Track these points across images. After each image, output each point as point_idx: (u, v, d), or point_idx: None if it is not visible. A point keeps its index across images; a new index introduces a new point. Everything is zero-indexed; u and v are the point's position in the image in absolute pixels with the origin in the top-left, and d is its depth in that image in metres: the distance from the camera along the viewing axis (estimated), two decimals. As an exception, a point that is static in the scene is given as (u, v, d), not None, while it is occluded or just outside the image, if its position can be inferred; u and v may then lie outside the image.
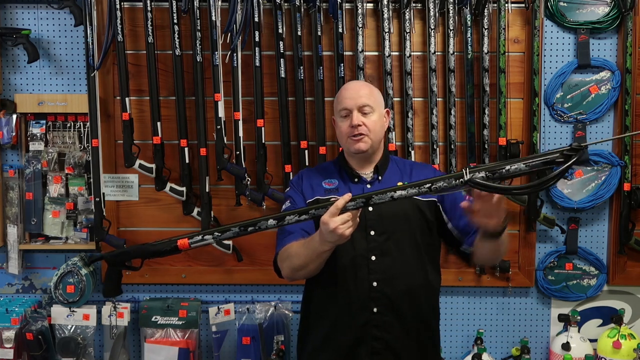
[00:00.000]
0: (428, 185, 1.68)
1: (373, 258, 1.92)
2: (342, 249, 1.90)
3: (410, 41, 2.64)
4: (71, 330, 2.74)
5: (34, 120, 2.76)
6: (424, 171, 2.07)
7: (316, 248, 1.77)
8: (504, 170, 1.63)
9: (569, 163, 1.58)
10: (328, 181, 2.02)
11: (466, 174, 1.64)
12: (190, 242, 1.81)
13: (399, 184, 1.97)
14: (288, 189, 2.10)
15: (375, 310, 1.92)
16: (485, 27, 2.63)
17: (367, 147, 1.96)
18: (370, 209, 1.93)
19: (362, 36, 2.63)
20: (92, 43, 2.62)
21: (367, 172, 2.02)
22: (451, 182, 1.67)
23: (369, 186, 1.99)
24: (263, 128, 2.65)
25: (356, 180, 2.01)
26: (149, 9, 2.60)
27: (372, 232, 1.93)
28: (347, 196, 1.69)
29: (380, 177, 2.01)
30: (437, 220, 2.02)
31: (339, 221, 1.67)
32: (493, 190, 1.64)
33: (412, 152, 2.66)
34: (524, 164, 1.62)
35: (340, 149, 2.57)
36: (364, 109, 1.96)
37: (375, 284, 1.91)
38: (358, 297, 1.91)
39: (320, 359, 1.98)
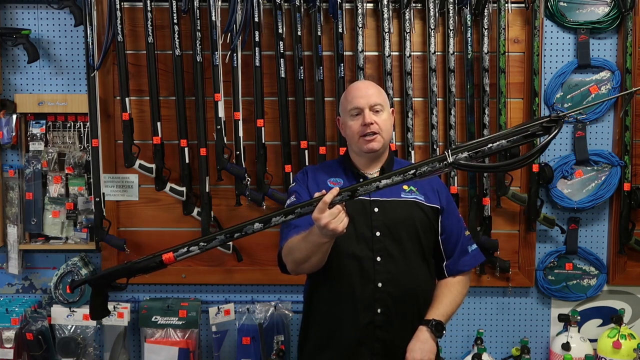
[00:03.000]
0: (412, 171, 1.68)
1: (378, 259, 1.92)
2: (348, 249, 1.91)
3: (410, 41, 2.64)
4: (71, 330, 2.74)
5: (34, 120, 2.76)
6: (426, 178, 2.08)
7: (315, 241, 1.76)
8: (486, 148, 1.62)
9: (552, 135, 1.56)
10: (333, 179, 2.02)
11: (449, 157, 1.64)
12: (176, 256, 1.77)
13: (405, 187, 1.98)
14: (293, 184, 2.09)
15: (379, 311, 1.92)
16: (485, 27, 2.63)
17: (379, 146, 1.96)
18: (376, 209, 1.94)
19: (362, 36, 2.63)
20: (92, 43, 2.62)
21: (373, 173, 2.02)
22: (435, 165, 1.66)
23: None
24: (263, 128, 2.65)
25: (361, 180, 2.00)
26: (149, 9, 2.60)
27: (378, 233, 1.93)
28: (335, 190, 1.68)
29: None
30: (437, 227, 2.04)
31: (328, 216, 1.66)
32: (478, 169, 1.62)
33: (412, 152, 2.66)
34: (505, 140, 1.61)
35: (342, 149, 2.59)
36: (375, 108, 1.96)
37: (380, 284, 1.91)
38: (363, 297, 1.91)
39: (322, 358, 1.98)
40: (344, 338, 1.94)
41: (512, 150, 2.41)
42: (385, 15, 2.62)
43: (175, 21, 2.60)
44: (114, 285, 1.86)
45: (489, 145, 1.61)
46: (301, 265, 1.88)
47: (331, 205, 1.68)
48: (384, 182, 1.69)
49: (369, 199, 1.94)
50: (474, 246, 2.09)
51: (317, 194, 1.72)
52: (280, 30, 2.62)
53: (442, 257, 2.04)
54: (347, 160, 2.06)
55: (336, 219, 1.67)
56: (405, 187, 2.00)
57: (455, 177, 2.67)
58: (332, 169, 2.08)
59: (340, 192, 1.69)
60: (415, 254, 1.96)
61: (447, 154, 1.64)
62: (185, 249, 1.77)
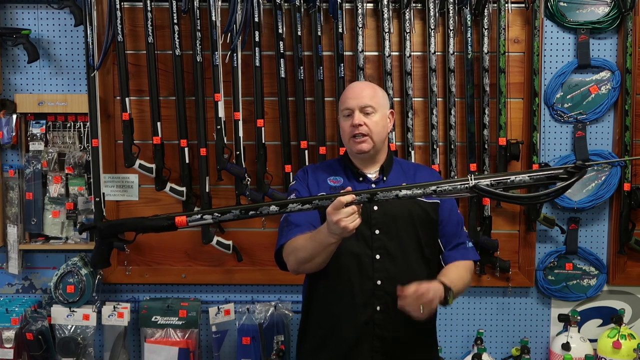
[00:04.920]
0: (433, 188, 1.71)
1: (377, 257, 1.93)
2: (347, 247, 1.91)
3: (410, 41, 2.64)
4: (71, 330, 2.74)
5: (34, 120, 2.76)
6: (427, 173, 2.11)
7: (322, 240, 1.78)
8: (508, 180, 1.68)
9: (572, 180, 1.63)
10: (333, 178, 2.04)
11: (471, 180, 1.68)
12: (189, 220, 1.76)
13: (404, 184, 1.99)
14: (293, 182, 2.10)
15: (378, 308, 1.93)
16: (485, 27, 2.63)
17: (369, 147, 1.98)
18: (376, 207, 1.95)
19: (362, 36, 2.63)
20: (92, 43, 2.62)
21: (372, 172, 2.04)
22: (456, 186, 1.70)
23: (373, 186, 2.01)
24: (263, 128, 2.65)
25: (361, 179, 2.03)
26: (149, 9, 2.60)
27: (377, 231, 1.94)
28: (351, 196, 1.69)
29: (385, 178, 2.03)
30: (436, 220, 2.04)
31: (343, 214, 1.68)
32: (496, 197, 1.69)
33: (412, 152, 2.66)
34: (528, 176, 1.67)
35: (342, 149, 2.59)
36: (366, 110, 1.97)
37: (379, 282, 1.92)
38: (362, 295, 1.92)
39: (321, 356, 1.99)
40: (343, 336, 1.95)
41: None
42: (385, 15, 2.62)
43: (175, 21, 2.60)
44: (121, 238, 1.84)
45: (511, 179, 1.67)
46: (304, 265, 1.89)
47: (348, 205, 1.69)
48: (404, 192, 1.72)
49: None
50: (470, 244, 2.09)
51: (342, 192, 1.73)
52: (280, 30, 2.62)
53: (440, 250, 2.05)
54: (346, 160, 2.07)
55: (349, 217, 1.68)
56: (404, 184, 2.00)
57: (455, 177, 2.67)
58: (332, 167, 2.09)
59: (358, 193, 1.71)
60: (415, 252, 1.97)
61: (469, 178, 1.68)
62: (199, 216, 1.76)
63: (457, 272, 1.98)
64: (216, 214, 1.76)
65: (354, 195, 1.69)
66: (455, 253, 2.04)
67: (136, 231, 1.81)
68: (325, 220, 1.74)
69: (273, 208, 1.74)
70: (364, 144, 1.97)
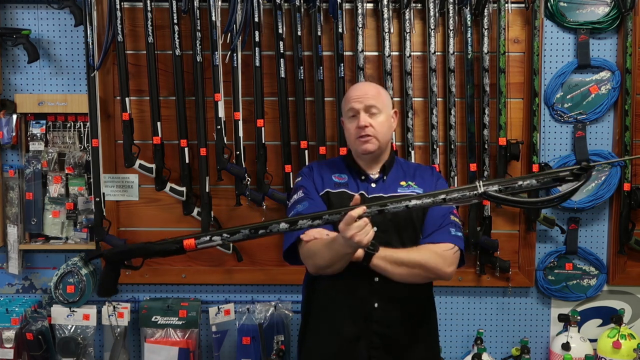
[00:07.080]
0: (443, 196, 1.71)
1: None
2: None
3: (410, 41, 2.64)
4: (71, 330, 2.74)
5: (34, 120, 2.76)
6: (427, 172, 2.11)
7: (339, 250, 1.79)
8: (516, 185, 1.69)
9: (579, 184, 1.65)
10: (338, 175, 2.05)
11: (480, 187, 1.69)
12: (197, 243, 1.74)
13: (402, 183, 2.01)
14: (299, 178, 2.09)
15: (376, 305, 1.94)
16: (485, 27, 2.63)
17: (374, 148, 1.98)
18: None
19: (362, 36, 2.63)
20: (92, 43, 2.62)
21: (374, 172, 2.04)
22: (465, 194, 1.71)
23: (373, 185, 2.02)
24: (263, 128, 2.65)
25: (363, 178, 2.03)
26: (149, 9, 2.60)
27: (376, 229, 1.93)
28: (361, 209, 1.68)
29: (384, 177, 2.03)
30: None
31: (355, 229, 1.68)
32: (505, 202, 1.70)
33: (412, 152, 2.66)
34: (535, 179, 1.68)
35: (343, 149, 2.59)
36: (371, 110, 1.97)
37: (376, 279, 1.92)
38: (360, 292, 1.93)
39: (320, 353, 2.00)
40: (342, 332, 1.96)
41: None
42: (385, 15, 2.62)
43: (175, 21, 2.60)
44: (128, 264, 1.82)
45: (519, 183, 1.69)
46: (324, 270, 1.90)
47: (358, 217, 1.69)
48: (413, 202, 1.71)
49: (367, 195, 1.98)
50: (459, 233, 1.99)
51: (352, 205, 1.72)
52: (280, 30, 2.62)
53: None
54: (349, 159, 2.08)
55: (362, 231, 1.69)
56: (402, 182, 2.02)
57: (456, 177, 2.67)
58: (336, 165, 2.11)
59: (369, 205, 1.71)
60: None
61: (478, 185, 1.69)
62: (208, 238, 1.75)
63: (405, 250, 1.90)
64: (225, 235, 1.74)
65: (364, 208, 1.69)
66: (426, 239, 1.96)
67: (143, 257, 1.79)
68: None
69: (283, 225, 1.73)
70: (369, 144, 1.97)
